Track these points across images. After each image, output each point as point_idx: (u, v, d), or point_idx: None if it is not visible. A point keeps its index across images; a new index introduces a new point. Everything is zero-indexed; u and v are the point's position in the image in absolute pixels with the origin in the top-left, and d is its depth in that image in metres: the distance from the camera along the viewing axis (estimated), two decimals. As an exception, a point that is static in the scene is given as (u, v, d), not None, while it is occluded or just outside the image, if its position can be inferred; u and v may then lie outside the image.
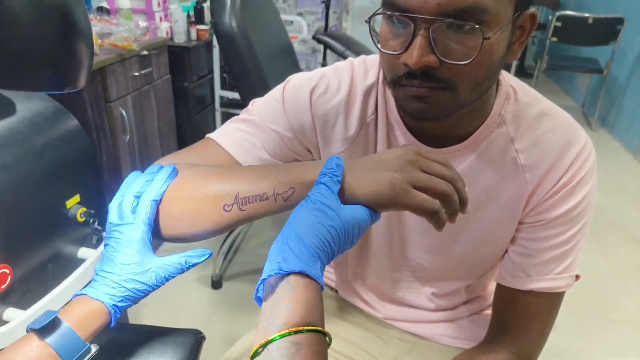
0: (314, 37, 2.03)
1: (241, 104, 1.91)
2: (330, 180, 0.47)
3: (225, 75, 2.37)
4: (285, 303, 0.41)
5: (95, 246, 0.88)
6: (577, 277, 0.69)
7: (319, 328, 0.41)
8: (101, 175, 0.92)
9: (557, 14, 3.45)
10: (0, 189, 0.66)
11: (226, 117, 2.53)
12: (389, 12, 0.51)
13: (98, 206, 0.87)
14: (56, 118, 0.80)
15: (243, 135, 0.66)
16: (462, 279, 0.78)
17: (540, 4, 5.40)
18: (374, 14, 0.54)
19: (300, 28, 2.92)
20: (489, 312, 0.81)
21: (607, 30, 3.39)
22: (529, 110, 0.64)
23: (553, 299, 0.69)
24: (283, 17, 3.10)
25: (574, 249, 0.67)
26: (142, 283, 0.49)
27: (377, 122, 0.67)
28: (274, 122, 0.66)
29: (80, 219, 0.82)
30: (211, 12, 1.45)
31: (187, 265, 0.52)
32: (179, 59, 2.08)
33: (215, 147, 0.66)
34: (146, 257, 0.50)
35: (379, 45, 0.54)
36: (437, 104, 0.53)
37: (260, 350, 0.40)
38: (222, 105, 2.39)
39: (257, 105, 0.69)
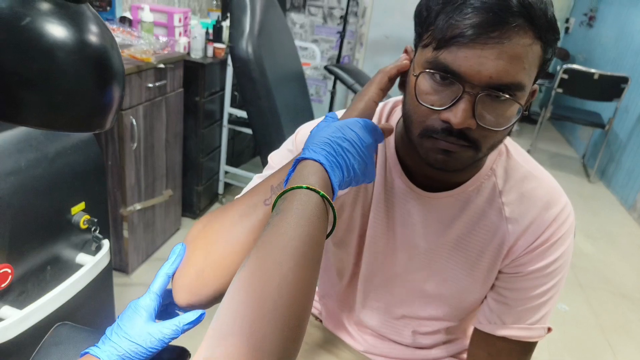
0: (325, 68, 2.09)
1: (248, 123, 1.95)
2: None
3: (236, 93, 2.42)
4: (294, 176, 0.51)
5: (94, 253, 0.91)
6: (549, 329, 0.72)
7: (302, 185, 0.48)
8: (106, 185, 0.95)
9: (565, 66, 3.53)
10: (11, 191, 0.69)
11: (232, 133, 2.58)
12: (440, 75, 0.54)
13: (101, 215, 0.90)
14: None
15: None
16: (444, 320, 0.81)
17: (550, 53, 5.50)
18: (422, 73, 0.56)
19: (313, 54, 2.99)
20: (465, 356, 0.84)
21: (611, 87, 3.47)
22: (518, 169, 0.69)
23: (525, 348, 0.72)
24: (298, 43, 3.18)
25: (548, 302, 0.70)
26: (139, 345, 0.52)
27: (375, 166, 0.71)
28: None
29: (83, 226, 0.85)
30: (230, 36, 1.51)
31: (183, 328, 0.55)
32: (193, 74, 2.14)
33: None
34: (147, 322, 0.54)
35: (418, 98, 0.57)
36: (460, 159, 0.58)
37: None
38: (230, 122, 2.44)
39: (274, 158, 0.74)
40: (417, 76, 0.57)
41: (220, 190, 2.60)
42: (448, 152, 0.57)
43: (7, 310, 0.74)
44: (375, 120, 0.72)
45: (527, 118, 5.27)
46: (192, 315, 0.56)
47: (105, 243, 0.91)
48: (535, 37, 0.52)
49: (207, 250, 0.57)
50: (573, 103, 4.17)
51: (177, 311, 0.60)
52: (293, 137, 0.74)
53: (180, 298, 0.56)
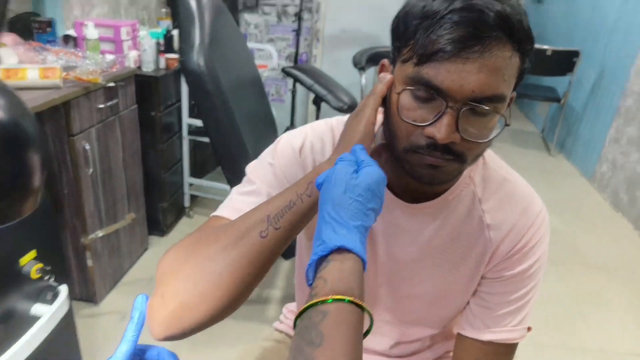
0: (283, 70, 2.05)
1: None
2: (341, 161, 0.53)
3: (193, 102, 2.36)
4: (321, 277, 0.45)
5: (50, 302, 0.86)
6: (529, 329, 0.74)
7: (346, 297, 0.44)
8: (58, 230, 0.89)
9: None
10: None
11: (193, 144, 2.51)
12: (423, 90, 0.53)
13: (55, 261, 0.85)
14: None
15: (251, 206, 0.64)
16: (427, 327, 0.82)
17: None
18: (404, 90, 0.55)
19: (270, 55, 2.94)
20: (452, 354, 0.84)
21: (564, 62, 3.55)
22: (495, 175, 0.71)
23: (509, 350, 0.74)
24: (254, 44, 3.13)
25: (528, 303, 0.72)
26: None
27: None
28: (274, 186, 0.68)
29: (36, 276, 0.80)
30: (180, 50, 1.45)
31: None
32: (146, 88, 2.06)
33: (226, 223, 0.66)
34: None
35: (399, 113, 0.56)
36: (446, 173, 0.58)
37: (297, 321, 0.45)
38: (190, 133, 2.38)
39: (255, 172, 0.70)
40: (399, 93, 0.56)
41: (187, 203, 2.54)
42: (435, 166, 0.57)
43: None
44: (332, 140, 0.72)
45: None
46: None
47: (63, 289, 0.86)
48: (514, 49, 0.52)
49: (190, 281, 0.54)
50: (529, 80, 4.26)
51: None
52: (273, 148, 0.72)
53: (157, 332, 0.54)
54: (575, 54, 3.51)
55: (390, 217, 0.70)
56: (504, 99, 0.53)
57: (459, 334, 0.76)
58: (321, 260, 0.47)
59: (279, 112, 3.35)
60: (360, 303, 0.44)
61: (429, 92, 0.53)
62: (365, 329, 0.46)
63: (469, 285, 0.74)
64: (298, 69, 2.04)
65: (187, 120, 2.32)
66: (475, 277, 0.73)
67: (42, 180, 0.34)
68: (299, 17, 2.80)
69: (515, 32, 0.51)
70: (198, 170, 2.69)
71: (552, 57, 3.55)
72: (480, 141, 0.55)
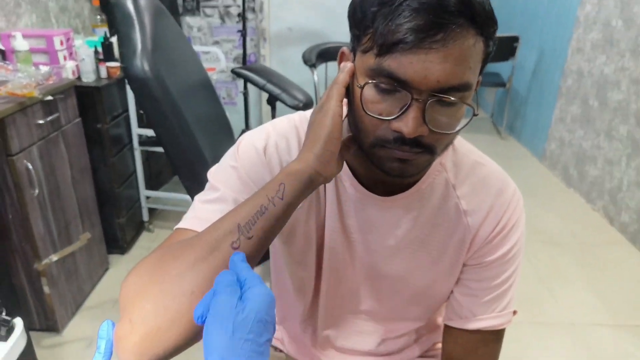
0: (232, 71, 1.99)
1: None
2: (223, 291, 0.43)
3: (142, 111, 2.25)
4: None
5: (5, 338, 0.77)
6: (515, 312, 0.74)
7: None
8: (5, 258, 0.81)
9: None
10: None
11: (146, 155, 2.40)
12: (385, 83, 0.50)
13: (4, 292, 0.77)
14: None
15: (218, 215, 0.58)
16: (412, 321, 0.80)
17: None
18: (367, 84, 0.52)
19: (217, 57, 2.86)
20: (439, 346, 0.83)
21: (505, 48, 3.67)
22: (465, 160, 0.69)
23: (497, 336, 0.73)
24: (199, 47, 3.03)
25: (511, 287, 0.72)
26: None
27: None
28: (240, 190, 0.63)
29: (-17, 312, 0.72)
30: (121, 56, 1.37)
31: None
32: (89, 100, 1.94)
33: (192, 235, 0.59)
34: None
35: (363, 106, 0.53)
36: (417, 165, 0.56)
37: None
38: (141, 143, 2.27)
39: (218, 178, 0.65)
40: (362, 87, 0.53)
41: (145, 217, 2.43)
42: (404, 160, 0.55)
43: None
44: (297, 137, 0.68)
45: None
46: None
47: (18, 322, 0.78)
48: (477, 34, 0.50)
49: (159, 304, 0.49)
50: (474, 67, 4.38)
51: None
52: (234, 150, 0.67)
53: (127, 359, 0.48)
54: (515, 39, 3.64)
55: (364, 213, 0.68)
56: (470, 87, 0.51)
57: (446, 325, 0.75)
58: None
59: (233, 115, 3.26)
60: None
61: (393, 85, 0.50)
62: None
63: (452, 274, 0.72)
64: (248, 69, 1.99)
65: (136, 130, 2.22)
66: (457, 265, 0.71)
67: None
68: (242, 17, 2.73)
69: (477, 17, 0.49)
70: (154, 182, 2.58)
71: (494, 43, 3.67)
72: (449, 132, 0.53)
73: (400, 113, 0.51)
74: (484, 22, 0.50)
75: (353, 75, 0.56)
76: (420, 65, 0.48)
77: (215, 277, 0.45)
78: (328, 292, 0.75)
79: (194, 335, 0.49)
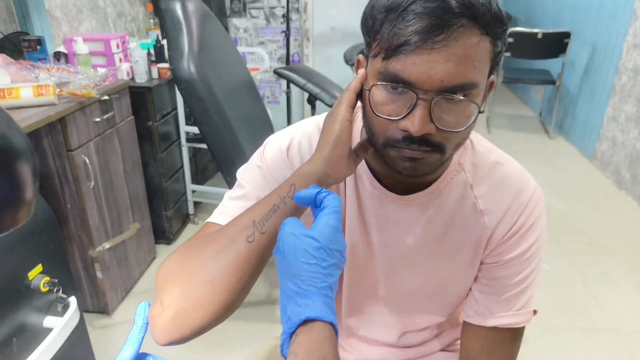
0: (275, 71, 2.06)
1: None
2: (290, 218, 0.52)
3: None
4: (292, 352, 0.45)
5: (61, 314, 0.87)
6: (535, 312, 0.73)
7: None
8: (62, 243, 0.90)
9: (510, 30, 3.60)
10: (-42, 271, 0.65)
11: (193, 151, 2.52)
12: (392, 85, 0.53)
13: (61, 273, 0.86)
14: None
15: (241, 211, 0.64)
16: (431, 316, 0.82)
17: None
18: (374, 86, 0.56)
19: (261, 58, 2.95)
20: (454, 347, 0.85)
21: (555, 44, 3.55)
22: (485, 160, 0.70)
23: (515, 334, 0.74)
24: (245, 48, 3.13)
25: (530, 286, 0.72)
26: None
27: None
28: (263, 188, 0.69)
29: (44, 289, 0.81)
30: (169, 58, 1.46)
31: None
32: (141, 99, 2.07)
33: (218, 228, 0.66)
34: None
35: (372, 108, 0.56)
36: (427, 164, 0.58)
37: None
38: (189, 140, 2.39)
39: (244, 176, 0.72)
40: (369, 89, 0.56)
41: (191, 210, 2.55)
42: (414, 159, 0.57)
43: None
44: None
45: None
46: None
47: (72, 300, 0.87)
48: (482, 34, 0.51)
49: (186, 289, 0.56)
50: (522, 64, 4.26)
51: None
52: (261, 150, 0.73)
53: (160, 338, 0.56)
54: (566, 35, 3.51)
55: (383, 210, 0.71)
56: (475, 85, 0.53)
57: (464, 322, 0.76)
58: (292, 335, 0.46)
59: (276, 114, 3.36)
60: None
61: (399, 86, 0.53)
62: None
63: (469, 272, 0.73)
64: (289, 69, 2.05)
65: (184, 128, 2.33)
66: (474, 263, 0.72)
67: (34, 191, 0.35)
68: (286, 18, 2.80)
69: (480, 17, 0.50)
70: (200, 177, 2.71)
71: (543, 40, 3.55)
72: (457, 130, 0.55)
73: (407, 113, 0.53)
74: (488, 22, 0.51)
75: (364, 81, 0.59)
76: (424, 66, 0.50)
77: (279, 228, 0.51)
78: (350, 284, 0.79)
79: (217, 317, 0.56)
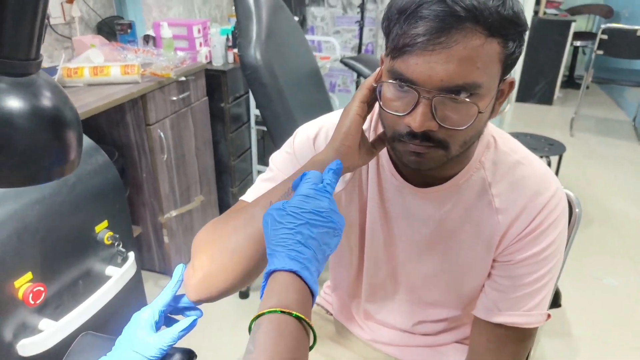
0: (341, 61, 2.11)
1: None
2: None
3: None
4: (264, 299, 0.49)
5: (120, 265, 1.01)
6: (549, 316, 0.73)
7: (278, 309, 0.47)
8: (126, 202, 1.04)
9: (603, 26, 3.34)
10: (37, 218, 0.79)
11: (262, 133, 2.66)
12: (395, 82, 0.58)
13: (123, 230, 0.99)
14: (88, 155, 0.93)
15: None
16: (446, 309, 0.84)
17: (592, 12, 5.19)
18: (382, 82, 0.61)
19: (334, 46, 3.00)
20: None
21: (656, 43, 3.24)
22: (506, 159, 0.71)
23: (523, 335, 0.74)
24: (320, 37, 3.20)
25: (543, 288, 0.72)
26: (141, 355, 0.59)
27: (368, 164, 0.76)
28: (289, 173, 0.74)
29: (107, 242, 0.95)
30: (238, 45, 1.56)
31: (179, 335, 0.62)
32: (216, 82, 2.23)
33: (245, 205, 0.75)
34: (147, 333, 0.61)
35: (381, 104, 0.61)
36: (431, 159, 0.61)
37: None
38: (257, 123, 2.51)
39: (275, 161, 0.79)
40: (378, 86, 0.61)
41: (255, 189, 2.69)
42: (419, 153, 0.60)
43: (46, 323, 0.85)
44: (365, 125, 0.75)
45: (572, 83, 5.01)
46: (186, 322, 0.63)
47: (130, 255, 1.00)
48: (488, 36, 0.53)
49: (212, 256, 0.64)
50: (618, 64, 3.92)
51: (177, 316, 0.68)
52: (292, 139, 0.80)
53: (191, 296, 0.65)
54: (672, 33, 3.19)
55: (402, 200, 0.74)
56: (478, 86, 0.55)
57: (474, 316, 0.78)
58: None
59: (345, 102, 3.40)
60: (287, 311, 0.47)
61: (404, 84, 0.57)
62: (310, 342, 0.49)
63: (482, 268, 0.75)
64: (356, 59, 2.09)
65: (254, 111, 2.46)
66: (487, 260, 0.74)
67: (77, 153, 0.44)
68: (362, 8, 2.83)
69: (485, 20, 0.52)
70: (266, 159, 2.84)
71: (643, 37, 3.26)
72: (460, 128, 0.57)
73: (410, 110, 0.57)
74: (495, 24, 0.53)
75: (379, 78, 0.63)
76: (425, 66, 0.54)
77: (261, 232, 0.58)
78: (369, 270, 0.83)
79: (239, 282, 0.64)
